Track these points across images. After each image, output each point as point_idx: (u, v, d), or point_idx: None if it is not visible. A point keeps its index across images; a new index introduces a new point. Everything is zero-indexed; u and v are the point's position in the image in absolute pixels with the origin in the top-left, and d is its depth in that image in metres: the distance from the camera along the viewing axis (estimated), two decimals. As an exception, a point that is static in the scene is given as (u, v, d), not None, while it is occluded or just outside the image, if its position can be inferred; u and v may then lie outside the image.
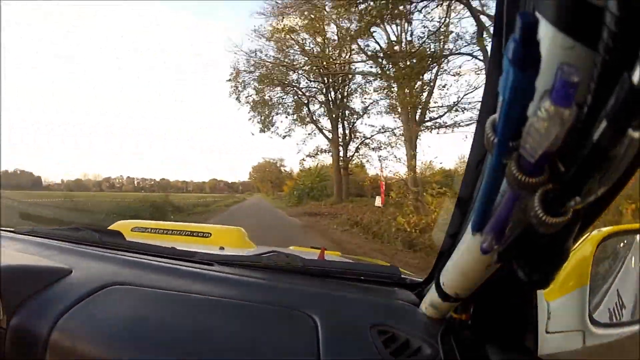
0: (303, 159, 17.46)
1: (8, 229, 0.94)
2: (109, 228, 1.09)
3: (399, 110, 11.86)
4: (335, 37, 13.05)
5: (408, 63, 10.05)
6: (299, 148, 19.54)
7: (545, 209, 0.21)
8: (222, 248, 1.00)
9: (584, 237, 0.61)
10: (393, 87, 11.50)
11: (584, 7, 0.19)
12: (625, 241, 0.78)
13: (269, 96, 14.98)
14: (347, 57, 13.31)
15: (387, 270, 0.65)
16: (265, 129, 15.56)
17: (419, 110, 11.15)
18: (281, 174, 29.92)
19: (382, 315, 0.52)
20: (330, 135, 15.79)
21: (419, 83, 10.47)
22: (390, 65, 10.82)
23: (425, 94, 10.89)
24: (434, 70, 10.62)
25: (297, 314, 0.51)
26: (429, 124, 11.11)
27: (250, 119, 15.44)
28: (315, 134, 16.24)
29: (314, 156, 16.95)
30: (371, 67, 12.29)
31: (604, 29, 0.17)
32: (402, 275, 0.64)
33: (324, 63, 13.73)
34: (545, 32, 0.21)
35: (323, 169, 18.12)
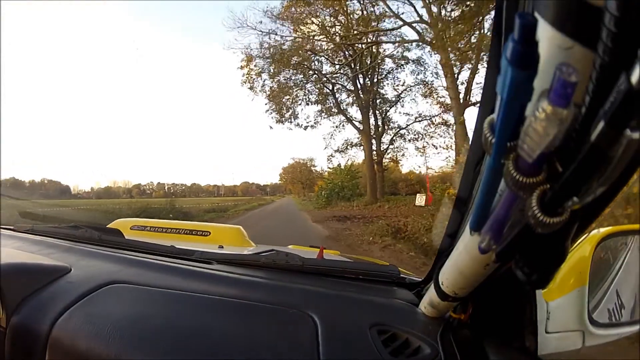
0: (331, 155, 15.95)
1: (8, 227, 0.94)
2: (108, 226, 1.09)
3: (444, 84, 10.35)
4: (359, 12, 11.66)
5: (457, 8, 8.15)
6: (326, 143, 18.07)
7: (543, 209, 0.21)
8: (221, 247, 1.01)
9: (582, 237, 0.61)
10: (427, 65, 10.33)
11: (583, 7, 0.19)
12: (624, 241, 0.78)
13: (286, 81, 13.49)
14: (375, 26, 11.62)
15: (386, 269, 0.65)
16: (284, 120, 14.10)
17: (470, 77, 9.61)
18: (312, 174, 28.04)
19: (381, 315, 0.52)
20: (360, 127, 14.16)
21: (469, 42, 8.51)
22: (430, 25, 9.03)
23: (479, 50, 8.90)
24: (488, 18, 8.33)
25: (297, 313, 0.51)
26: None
27: (268, 110, 14.09)
28: (344, 125, 14.68)
29: (343, 151, 15.41)
30: (402, 36, 10.87)
31: (603, 30, 0.17)
32: (401, 275, 0.64)
33: (348, 40, 12.07)
34: (544, 32, 0.21)
35: (354, 166, 16.23)
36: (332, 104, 14.40)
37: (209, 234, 1.17)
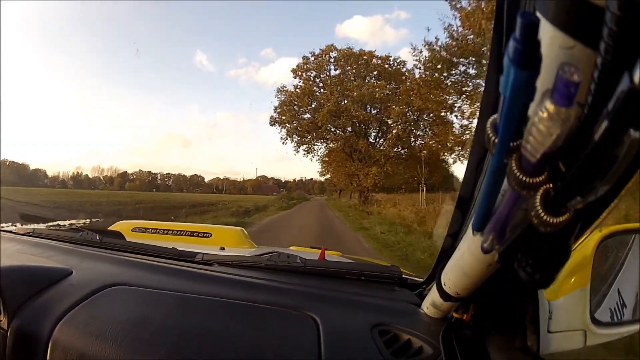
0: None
1: (9, 229, 0.94)
2: (109, 229, 1.09)
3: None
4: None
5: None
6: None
7: (546, 208, 0.21)
8: (222, 248, 1.00)
9: (584, 236, 0.61)
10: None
11: (584, 6, 0.19)
12: (626, 240, 0.78)
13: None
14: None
15: (388, 270, 0.65)
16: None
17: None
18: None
19: (383, 316, 0.52)
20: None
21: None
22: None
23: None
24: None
25: (298, 314, 0.50)
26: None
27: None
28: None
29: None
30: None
31: (605, 29, 0.17)
32: (403, 275, 0.64)
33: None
34: (546, 31, 0.21)
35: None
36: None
37: (210, 236, 1.17)
